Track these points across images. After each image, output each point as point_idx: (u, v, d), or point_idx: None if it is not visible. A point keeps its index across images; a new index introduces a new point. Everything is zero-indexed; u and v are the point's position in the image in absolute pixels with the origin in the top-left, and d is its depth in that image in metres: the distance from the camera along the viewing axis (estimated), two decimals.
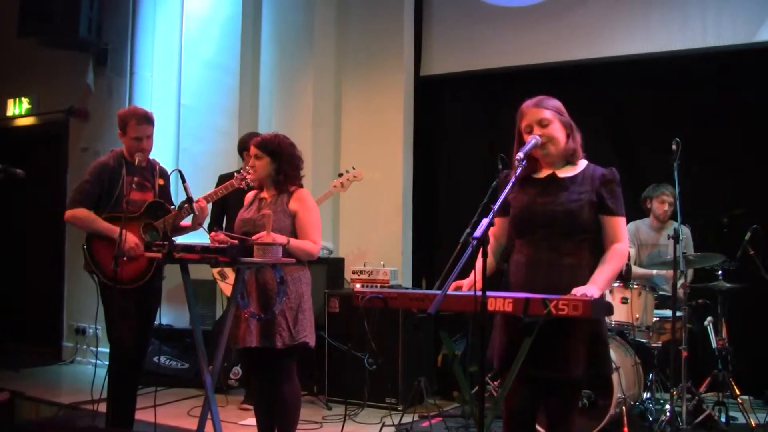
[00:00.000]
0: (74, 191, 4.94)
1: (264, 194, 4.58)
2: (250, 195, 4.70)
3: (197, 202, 4.73)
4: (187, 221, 4.93)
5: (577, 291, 3.15)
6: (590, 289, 3.16)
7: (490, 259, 3.49)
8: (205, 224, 5.80)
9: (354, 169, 6.14)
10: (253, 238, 4.21)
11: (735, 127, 6.40)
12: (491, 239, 3.61)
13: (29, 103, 9.23)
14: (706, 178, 6.30)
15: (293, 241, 4.29)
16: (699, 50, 6.40)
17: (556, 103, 3.49)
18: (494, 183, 3.74)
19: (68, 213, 4.85)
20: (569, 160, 3.48)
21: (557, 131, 3.43)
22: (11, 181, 4.60)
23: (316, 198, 5.94)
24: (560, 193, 3.42)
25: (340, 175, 6.17)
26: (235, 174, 4.93)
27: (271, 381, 4.44)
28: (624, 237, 3.43)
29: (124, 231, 4.51)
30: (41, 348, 8.85)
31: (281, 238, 4.22)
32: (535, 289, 3.26)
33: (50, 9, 7.91)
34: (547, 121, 3.42)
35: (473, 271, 3.27)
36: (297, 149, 4.61)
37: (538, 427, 3.65)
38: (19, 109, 9.30)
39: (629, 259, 5.67)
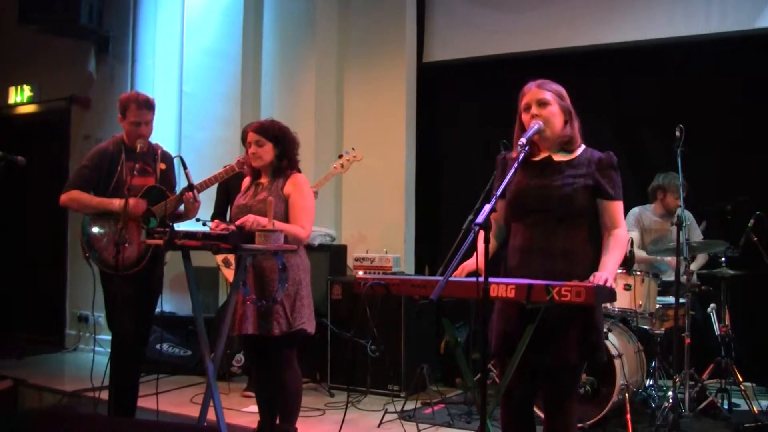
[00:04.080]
0: (72, 175, 4.95)
1: (261, 180, 4.56)
2: (246, 181, 4.68)
3: (188, 194, 4.70)
4: (180, 209, 4.92)
5: (595, 277, 3.15)
6: (606, 274, 3.18)
7: (492, 242, 3.49)
8: (209, 214, 5.80)
9: (354, 150, 6.11)
10: (238, 222, 4.21)
11: (739, 113, 6.37)
12: (492, 223, 3.60)
13: (31, 91, 9.23)
14: (709, 164, 6.28)
15: (278, 225, 4.21)
16: (703, 36, 6.36)
17: (557, 87, 3.48)
18: (495, 171, 3.73)
19: (63, 196, 4.85)
20: (565, 147, 3.46)
21: (555, 114, 3.41)
22: (13, 169, 4.59)
23: (317, 180, 5.95)
24: (555, 176, 3.41)
25: (340, 156, 6.15)
26: (237, 158, 4.91)
27: (271, 368, 4.44)
28: (622, 222, 3.42)
29: (127, 204, 4.51)
30: (44, 336, 8.86)
31: (265, 221, 4.20)
32: (531, 274, 3.26)
33: None
34: (546, 101, 3.41)
35: (475, 254, 3.27)
36: (294, 133, 4.60)
37: (537, 412, 3.64)
38: (20, 96, 9.30)
39: (632, 244, 5.64)
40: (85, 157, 4.98)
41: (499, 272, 3.46)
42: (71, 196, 4.83)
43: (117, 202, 4.69)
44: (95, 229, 4.80)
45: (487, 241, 2.98)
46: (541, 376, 3.40)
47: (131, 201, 4.63)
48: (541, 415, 3.60)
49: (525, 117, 3.44)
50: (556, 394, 3.40)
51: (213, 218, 5.84)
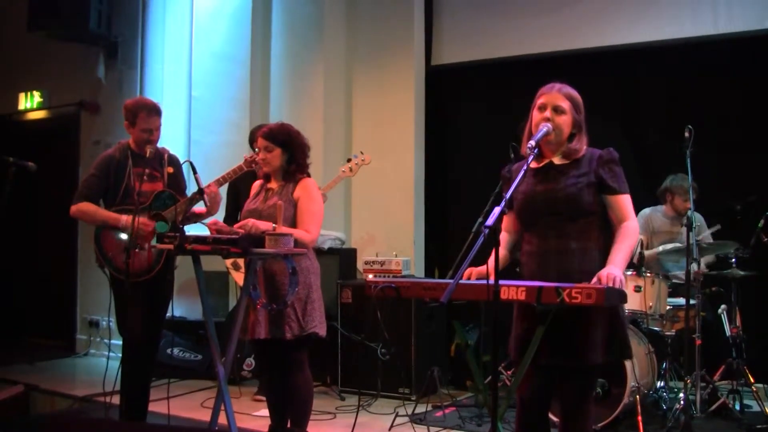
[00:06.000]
0: (80, 185, 4.96)
1: (271, 184, 4.57)
2: (256, 185, 4.69)
3: (208, 187, 4.72)
4: (200, 208, 4.92)
5: (602, 274, 3.15)
6: (613, 270, 3.17)
7: (503, 252, 3.51)
8: (221, 216, 5.80)
9: (362, 153, 6.13)
10: (237, 225, 4.23)
11: (747, 113, 6.35)
12: (503, 232, 3.62)
13: (41, 97, 9.27)
14: (718, 165, 6.25)
15: (283, 229, 4.20)
16: (710, 37, 6.34)
17: (577, 97, 3.48)
18: (501, 182, 3.73)
19: (73, 208, 4.87)
20: (568, 156, 3.46)
21: (566, 124, 3.42)
22: (23, 175, 4.62)
23: (325, 184, 5.96)
24: (559, 178, 3.42)
25: (349, 160, 6.16)
26: (245, 157, 4.91)
27: (282, 372, 4.44)
28: (631, 214, 3.43)
29: (136, 221, 4.51)
30: (55, 341, 8.91)
31: (264, 225, 4.21)
32: (548, 277, 3.26)
33: (60, 3, 7.92)
34: (562, 110, 3.41)
35: (488, 262, 3.26)
36: (304, 137, 4.60)
37: (551, 416, 3.63)
38: (30, 102, 9.34)
39: (642, 246, 5.63)
40: (92, 164, 4.99)
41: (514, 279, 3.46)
42: (80, 208, 4.84)
43: (124, 219, 4.71)
44: (108, 236, 4.82)
45: (497, 243, 2.98)
46: (560, 378, 3.39)
47: (141, 221, 4.63)
48: (555, 419, 3.60)
49: (537, 116, 3.44)
50: (575, 395, 3.39)
51: (224, 221, 5.86)
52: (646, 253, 5.82)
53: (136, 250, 4.64)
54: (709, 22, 6.35)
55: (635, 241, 3.42)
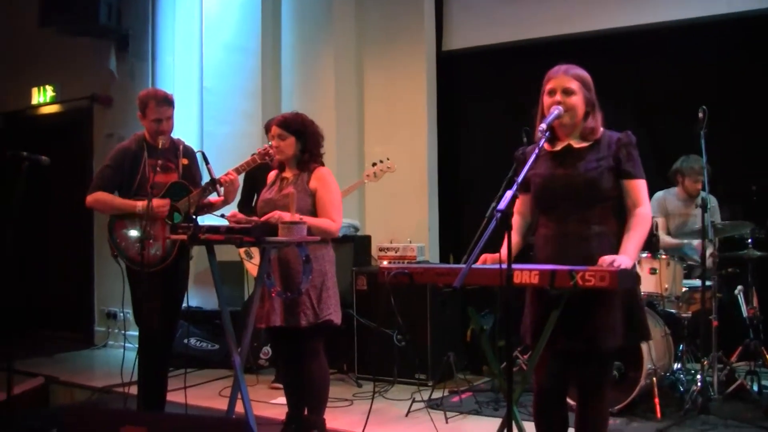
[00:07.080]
0: (95, 176, 4.99)
1: (286, 174, 4.59)
2: (272, 175, 4.71)
3: (227, 174, 4.74)
4: (215, 197, 4.93)
5: (606, 260, 3.13)
6: (622, 259, 3.14)
7: (515, 237, 3.49)
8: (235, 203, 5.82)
9: (388, 159, 6.11)
10: (263, 218, 4.23)
11: (762, 93, 6.29)
12: (516, 216, 3.60)
13: (53, 91, 9.31)
14: (733, 146, 6.21)
15: (308, 220, 4.25)
16: (723, 16, 6.28)
17: (584, 75, 3.45)
18: (515, 164, 3.71)
19: (89, 198, 4.89)
20: (586, 136, 3.44)
21: (578, 105, 3.39)
22: (37, 169, 4.64)
23: (346, 186, 5.96)
24: (578, 163, 3.39)
25: (374, 164, 6.14)
26: (258, 150, 4.92)
27: (299, 360, 4.46)
28: (645, 200, 3.40)
29: (151, 206, 4.52)
30: (73, 333, 8.97)
31: (290, 218, 4.21)
32: (567, 261, 3.23)
33: None
34: (571, 91, 3.38)
35: (502, 247, 3.25)
36: (318, 127, 4.61)
37: (569, 401, 3.62)
38: (43, 97, 9.38)
39: (657, 229, 5.60)
40: (107, 156, 5.01)
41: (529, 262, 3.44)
42: (96, 197, 4.87)
43: (140, 204, 4.71)
44: (121, 227, 4.84)
45: (509, 227, 2.97)
46: (577, 362, 3.38)
47: (156, 202, 4.65)
48: (572, 403, 3.59)
49: (547, 100, 3.42)
50: (592, 380, 3.39)
51: (238, 207, 5.90)
52: (664, 240, 5.79)
53: (150, 241, 4.67)
54: (722, 1, 6.29)
55: (648, 229, 3.41)
